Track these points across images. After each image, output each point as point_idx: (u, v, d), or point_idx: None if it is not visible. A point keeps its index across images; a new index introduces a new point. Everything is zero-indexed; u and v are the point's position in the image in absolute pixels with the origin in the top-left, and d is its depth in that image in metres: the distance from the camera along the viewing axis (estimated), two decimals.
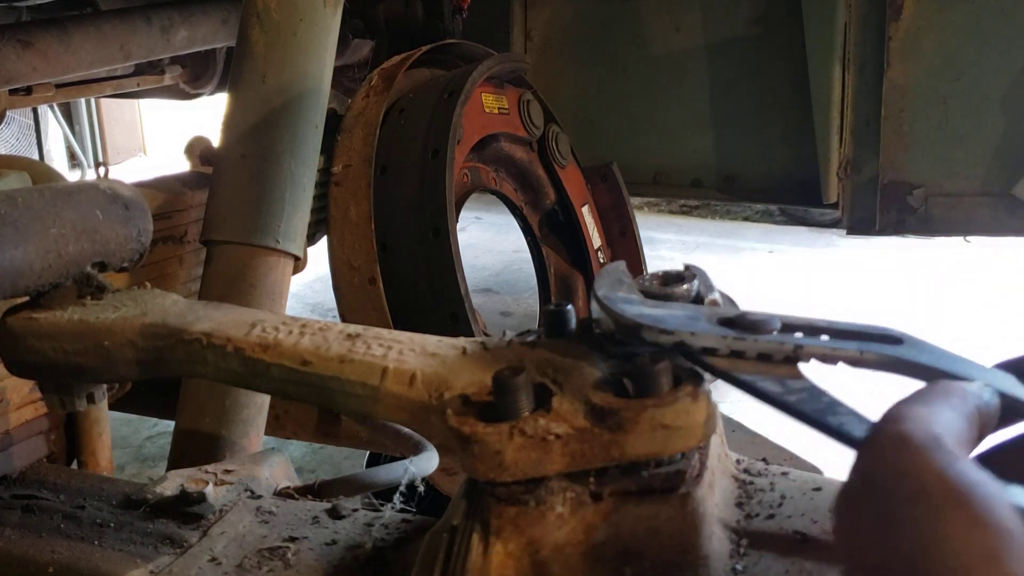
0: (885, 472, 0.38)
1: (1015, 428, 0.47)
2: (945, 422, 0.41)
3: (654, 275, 0.59)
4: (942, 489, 0.36)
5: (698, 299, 0.57)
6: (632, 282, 0.58)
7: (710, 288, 0.58)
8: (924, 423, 0.40)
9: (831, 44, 2.16)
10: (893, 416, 0.41)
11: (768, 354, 0.49)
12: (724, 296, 0.58)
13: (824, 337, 0.50)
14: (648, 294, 0.57)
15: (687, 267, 0.60)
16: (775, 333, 0.50)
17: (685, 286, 0.57)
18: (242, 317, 0.66)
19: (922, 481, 0.36)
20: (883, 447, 0.39)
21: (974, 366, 0.49)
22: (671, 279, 0.58)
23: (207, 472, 0.81)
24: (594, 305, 0.56)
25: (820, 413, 0.46)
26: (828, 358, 0.49)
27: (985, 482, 0.37)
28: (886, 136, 2.04)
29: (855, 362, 0.49)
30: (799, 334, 0.50)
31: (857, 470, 0.40)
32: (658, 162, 2.53)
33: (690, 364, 0.52)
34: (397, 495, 0.78)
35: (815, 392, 0.48)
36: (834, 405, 0.47)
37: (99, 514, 0.79)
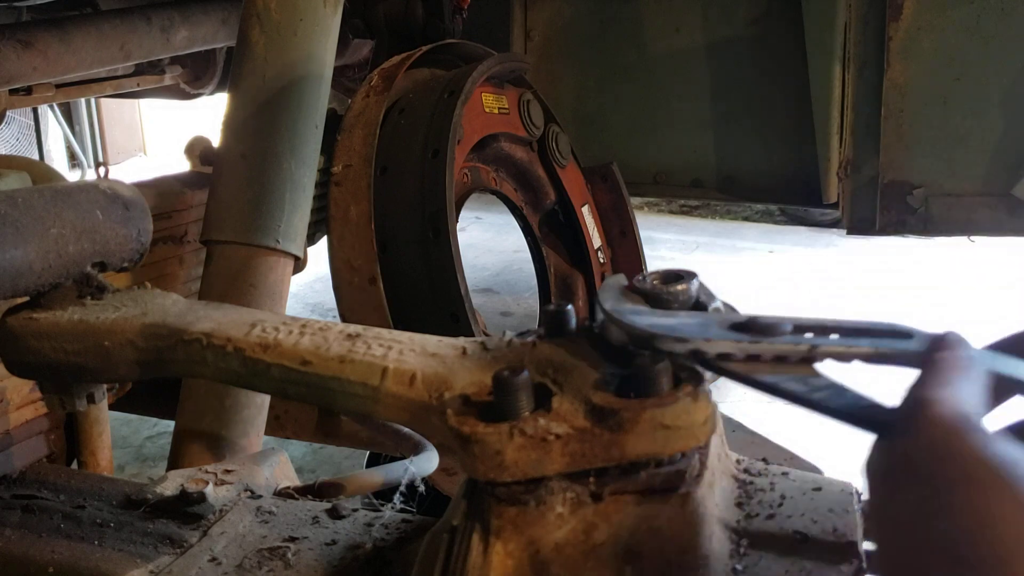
0: (925, 457, 0.39)
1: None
2: (969, 398, 0.42)
3: (652, 274, 0.59)
4: (984, 472, 0.37)
5: (699, 305, 0.57)
6: (638, 286, 0.58)
7: (712, 297, 0.58)
8: (953, 404, 0.41)
9: (831, 44, 2.16)
10: (922, 400, 0.42)
11: (784, 355, 0.50)
12: (725, 304, 0.58)
13: (835, 336, 0.51)
14: (651, 296, 0.57)
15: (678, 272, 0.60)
16: (787, 335, 0.50)
17: (683, 285, 0.57)
18: (242, 317, 0.66)
19: (964, 464, 0.38)
20: (919, 432, 0.40)
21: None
22: (670, 278, 0.58)
23: (207, 472, 0.81)
24: (602, 318, 0.56)
25: (847, 407, 0.47)
26: (843, 356, 0.50)
27: (1019, 458, 0.38)
28: (886, 136, 2.04)
29: (868, 358, 0.50)
30: (810, 335, 0.51)
31: (893, 456, 0.41)
32: (658, 162, 2.53)
33: (691, 365, 0.52)
34: (397, 495, 0.78)
35: (838, 388, 0.48)
36: (859, 398, 0.47)
37: (99, 514, 0.79)
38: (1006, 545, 0.35)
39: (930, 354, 0.47)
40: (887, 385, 0.49)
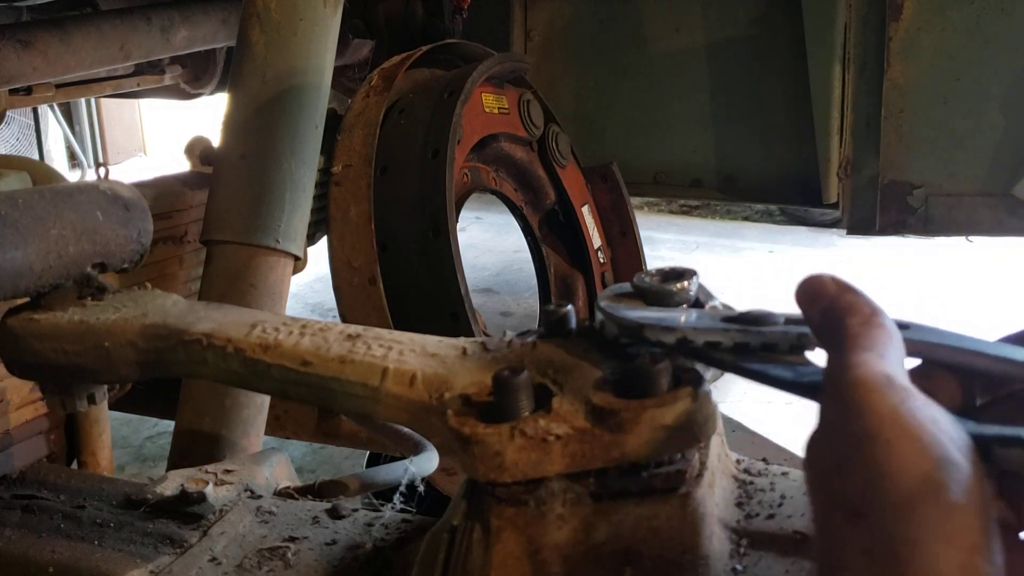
0: (842, 415, 0.39)
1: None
2: (894, 359, 0.42)
3: (652, 272, 0.59)
4: (894, 424, 0.37)
5: (698, 304, 0.57)
6: (638, 284, 0.58)
7: (710, 296, 0.58)
8: (873, 364, 0.40)
9: (831, 44, 2.16)
10: (843, 364, 0.41)
11: (773, 344, 0.49)
12: (724, 305, 0.58)
13: None
14: (651, 294, 0.57)
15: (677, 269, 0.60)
16: (778, 326, 0.50)
17: (683, 283, 0.57)
18: (242, 318, 0.66)
19: (877, 419, 0.37)
20: (839, 392, 0.40)
21: (982, 342, 0.48)
22: (670, 276, 0.58)
23: (207, 472, 0.81)
24: (598, 314, 0.57)
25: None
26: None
27: (938, 417, 0.38)
28: (886, 136, 2.04)
29: None
30: (802, 327, 0.50)
31: (820, 418, 0.40)
32: (658, 162, 2.53)
33: (691, 364, 0.52)
34: (397, 495, 0.78)
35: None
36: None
37: (99, 514, 0.79)
38: (905, 494, 0.35)
39: (839, 320, 0.45)
40: None
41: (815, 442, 0.40)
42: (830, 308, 0.46)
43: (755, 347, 0.50)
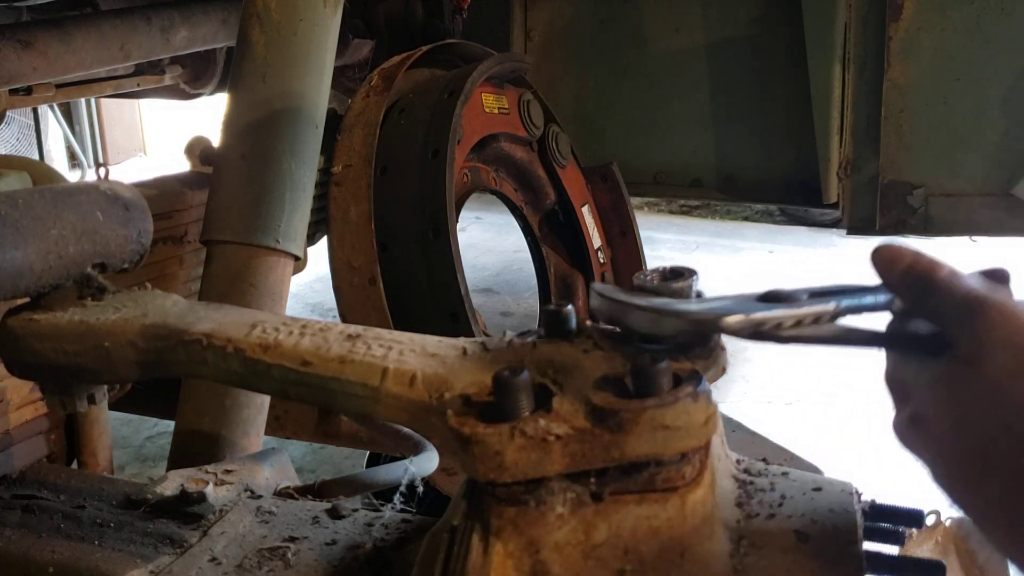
0: (1013, 328, 0.52)
1: None
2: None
3: (652, 272, 0.59)
4: None
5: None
6: (639, 284, 0.59)
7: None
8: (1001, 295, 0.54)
9: (831, 44, 2.16)
10: (982, 297, 0.54)
11: (819, 316, 0.57)
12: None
13: (842, 295, 0.60)
14: (654, 293, 0.57)
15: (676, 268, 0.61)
16: (810, 300, 0.58)
17: (685, 281, 0.57)
18: (242, 318, 0.66)
19: None
20: (998, 312, 0.53)
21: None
22: (670, 275, 0.59)
23: (207, 472, 0.81)
24: (643, 316, 0.56)
25: (904, 337, 0.59)
26: (856, 310, 0.59)
27: None
28: (886, 136, 2.04)
29: (874, 309, 0.60)
30: (824, 298, 0.58)
31: (982, 337, 0.52)
32: (658, 162, 2.53)
33: (691, 365, 0.52)
34: (397, 495, 0.78)
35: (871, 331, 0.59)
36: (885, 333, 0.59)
37: (99, 514, 0.79)
38: None
39: (925, 275, 0.56)
40: None
41: (992, 347, 0.51)
42: (911, 267, 0.57)
43: (807, 321, 0.56)
